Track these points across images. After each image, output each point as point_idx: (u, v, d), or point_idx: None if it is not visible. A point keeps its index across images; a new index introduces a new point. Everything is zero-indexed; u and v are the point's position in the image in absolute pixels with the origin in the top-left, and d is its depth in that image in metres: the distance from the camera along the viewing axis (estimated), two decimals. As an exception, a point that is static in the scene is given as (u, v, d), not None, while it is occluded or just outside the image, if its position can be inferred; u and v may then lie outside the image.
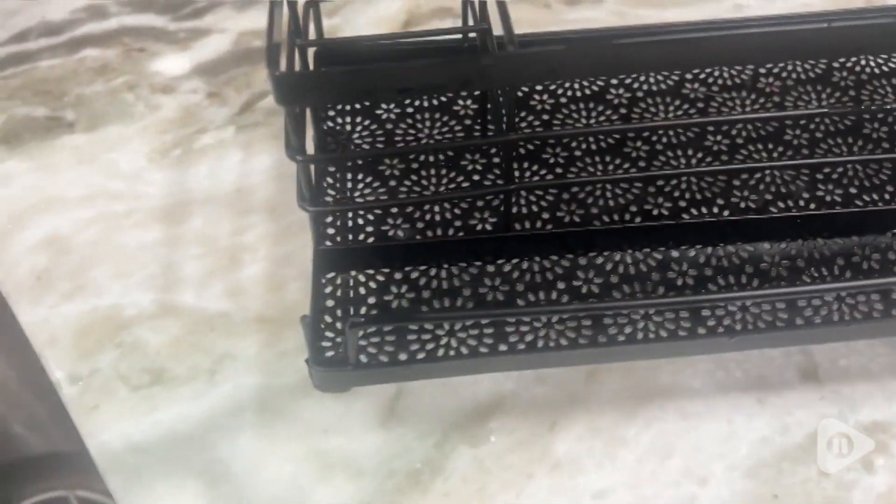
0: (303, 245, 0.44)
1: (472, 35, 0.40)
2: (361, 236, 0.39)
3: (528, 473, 0.36)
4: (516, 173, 0.40)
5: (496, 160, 0.41)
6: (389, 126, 0.43)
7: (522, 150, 0.41)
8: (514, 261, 0.37)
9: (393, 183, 0.41)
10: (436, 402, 0.38)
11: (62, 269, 0.44)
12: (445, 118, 0.43)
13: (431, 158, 0.42)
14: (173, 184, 0.48)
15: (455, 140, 0.41)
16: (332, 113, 0.44)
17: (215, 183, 0.48)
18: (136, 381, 0.40)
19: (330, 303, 0.37)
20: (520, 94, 0.43)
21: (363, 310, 0.36)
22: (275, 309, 0.42)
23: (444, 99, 0.44)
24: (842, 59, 0.45)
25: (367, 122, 0.43)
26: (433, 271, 0.37)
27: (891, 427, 0.37)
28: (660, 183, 0.40)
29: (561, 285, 0.37)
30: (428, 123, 0.43)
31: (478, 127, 0.43)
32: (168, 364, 0.40)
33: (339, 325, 0.36)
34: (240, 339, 0.41)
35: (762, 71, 0.45)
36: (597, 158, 0.41)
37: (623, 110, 0.43)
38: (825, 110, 0.42)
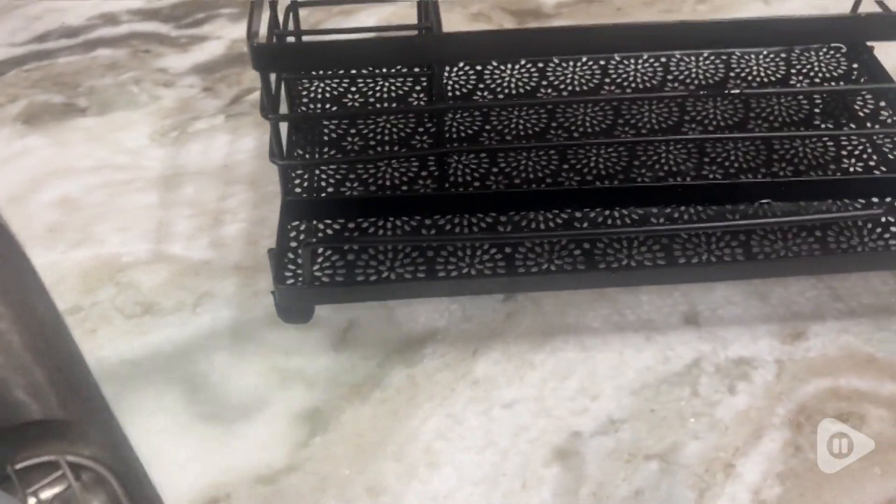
0: (276, 210, 0.52)
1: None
2: (323, 194, 0.47)
3: (452, 388, 0.43)
4: (456, 157, 0.48)
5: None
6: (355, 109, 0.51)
7: (463, 133, 0.50)
8: (448, 216, 0.46)
9: (354, 156, 0.49)
10: (380, 332, 0.46)
11: (72, 224, 0.52)
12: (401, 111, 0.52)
13: (387, 138, 0.50)
14: (170, 159, 0.56)
15: (404, 113, 0.50)
16: (306, 100, 0.52)
17: (206, 159, 0.56)
18: (129, 312, 0.47)
19: (294, 244, 0.45)
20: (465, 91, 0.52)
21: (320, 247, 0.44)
22: (250, 259, 0.50)
23: (401, 93, 0.52)
24: (736, 70, 0.54)
25: (335, 107, 0.52)
26: (381, 223, 0.45)
27: (753, 361, 0.44)
28: (573, 161, 0.48)
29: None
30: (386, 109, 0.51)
31: (426, 119, 0.51)
32: (157, 299, 0.48)
33: (299, 260, 0.44)
34: (219, 281, 0.49)
35: (669, 77, 0.54)
36: (524, 142, 0.50)
37: (549, 107, 0.52)
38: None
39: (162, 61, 0.64)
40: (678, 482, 0.40)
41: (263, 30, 0.40)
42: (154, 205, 0.53)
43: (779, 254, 0.44)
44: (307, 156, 0.49)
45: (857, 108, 0.52)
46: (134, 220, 0.52)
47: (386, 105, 0.52)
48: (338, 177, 0.48)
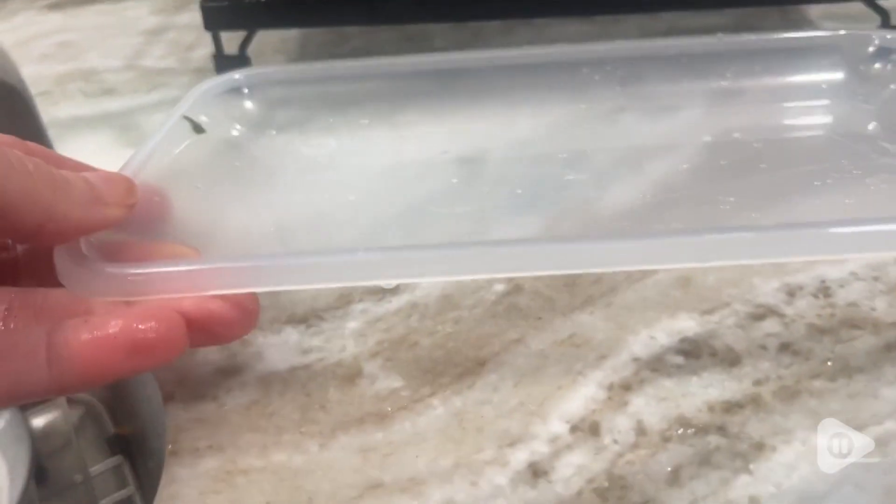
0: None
1: None
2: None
3: (365, 130, 0.45)
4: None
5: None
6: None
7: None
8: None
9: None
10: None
11: (63, 54, 0.58)
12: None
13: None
14: (163, 21, 0.62)
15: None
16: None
17: (192, 22, 0.62)
18: (91, 94, 0.51)
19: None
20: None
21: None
22: (211, 67, 0.54)
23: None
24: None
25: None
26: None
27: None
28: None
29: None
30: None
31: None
32: (118, 87, 0.52)
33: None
34: (177, 78, 0.53)
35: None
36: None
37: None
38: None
39: (177, -23, 0.72)
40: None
41: None
42: (139, 42, 0.59)
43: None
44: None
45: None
46: (118, 50, 0.57)
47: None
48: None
